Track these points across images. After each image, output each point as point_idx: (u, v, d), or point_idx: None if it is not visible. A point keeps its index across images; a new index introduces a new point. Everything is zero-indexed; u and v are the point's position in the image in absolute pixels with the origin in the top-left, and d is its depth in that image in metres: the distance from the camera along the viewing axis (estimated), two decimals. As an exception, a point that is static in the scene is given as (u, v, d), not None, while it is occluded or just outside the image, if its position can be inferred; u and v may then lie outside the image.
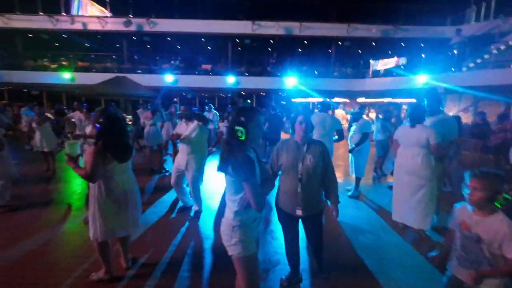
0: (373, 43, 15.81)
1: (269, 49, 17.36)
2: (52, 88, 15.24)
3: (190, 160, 3.55)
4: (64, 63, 15.49)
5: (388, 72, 13.58)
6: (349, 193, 4.53)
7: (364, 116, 4.84)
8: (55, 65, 15.28)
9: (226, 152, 1.50)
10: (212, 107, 9.51)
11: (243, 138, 1.46)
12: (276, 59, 16.52)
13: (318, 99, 13.56)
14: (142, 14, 14.34)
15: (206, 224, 3.49)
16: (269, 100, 15.94)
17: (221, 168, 1.50)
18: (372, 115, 11.44)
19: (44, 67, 15.13)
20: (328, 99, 9.42)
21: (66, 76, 14.32)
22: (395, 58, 13.36)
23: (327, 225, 3.20)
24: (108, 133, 2.10)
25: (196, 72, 15.20)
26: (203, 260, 2.69)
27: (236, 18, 14.64)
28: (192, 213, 3.72)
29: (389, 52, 14.99)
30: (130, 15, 14.41)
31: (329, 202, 2.12)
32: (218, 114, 9.42)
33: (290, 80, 14.46)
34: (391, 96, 12.98)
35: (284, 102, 16.91)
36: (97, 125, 2.15)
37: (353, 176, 4.59)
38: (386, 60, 13.74)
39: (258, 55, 16.87)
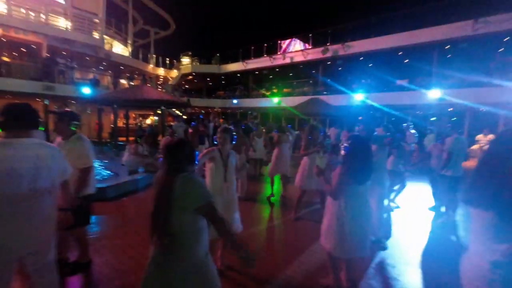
0: None
1: (500, 49, 12.91)
2: (264, 110, 19.97)
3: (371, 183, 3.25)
4: (274, 90, 19.93)
5: None
6: None
7: None
8: (269, 93, 19.98)
9: (489, 180, 1.21)
10: (411, 125, 8.46)
11: None
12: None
13: None
14: (338, 41, 15.53)
15: (396, 259, 3.11)
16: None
17: (473, 202, 1.25)
18: None
19: (261, 95, 20.25)
20: None
21: (275, 100, 18.23)
22: None
23: None
24: (353, 156, 2.16)
25: (389, 89, 14.19)
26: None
27: (448, 21, 12.23)
28: (376, 244, 3.35)
29: None
30: (328, 44, 16.01)
31: None
32: (417, 135, 8.21)
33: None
34: None
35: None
36: (346, 146, 2.25)
37: None
38: None
39: (476, 61, 13.05)
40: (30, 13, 13.43)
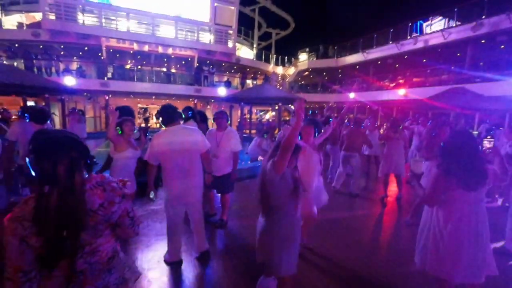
0: None
1: None
2: (386, 103, 17.87)
3: None
4: (400, 81, 17.49)
5: None
6: None
7: None
8: (393, 84, 17.73)
9: None
10: None
11: None
12: None
13: None
14: (500, 10, 11.83)
15: None
16: None
17: None
18: None
19: (384, 87, 18.23)
20: None
21: (400, 92, 16.00)
22: None
23: None
24: (453, 154, 1.80)
25: None
26: None
27: None
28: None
29: None
30: (483, 17, 12.49)
31: None
32: None
33: None
34: None
35: None
36: (442, 144, 1.92)
37: None
38: None
39: None
40: (188, 33, 17.63)
